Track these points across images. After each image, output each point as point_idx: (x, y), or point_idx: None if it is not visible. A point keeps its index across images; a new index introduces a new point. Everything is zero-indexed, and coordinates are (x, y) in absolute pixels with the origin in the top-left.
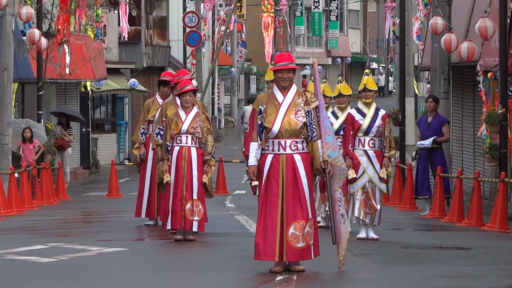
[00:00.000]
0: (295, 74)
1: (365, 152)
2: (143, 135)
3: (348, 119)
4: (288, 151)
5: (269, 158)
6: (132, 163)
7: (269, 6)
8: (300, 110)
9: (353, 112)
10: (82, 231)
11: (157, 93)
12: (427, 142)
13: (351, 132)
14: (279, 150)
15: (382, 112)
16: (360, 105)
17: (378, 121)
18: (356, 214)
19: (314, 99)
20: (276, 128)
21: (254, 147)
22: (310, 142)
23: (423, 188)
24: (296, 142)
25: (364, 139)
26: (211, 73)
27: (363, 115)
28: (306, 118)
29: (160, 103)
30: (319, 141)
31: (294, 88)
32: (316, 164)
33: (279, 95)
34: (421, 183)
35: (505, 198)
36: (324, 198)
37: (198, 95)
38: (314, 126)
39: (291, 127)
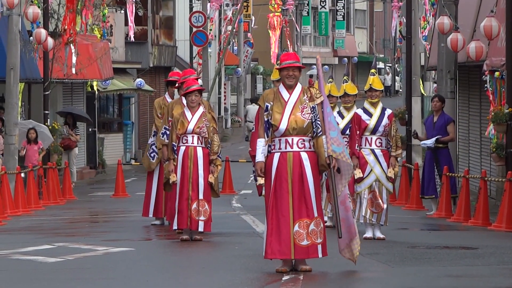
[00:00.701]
0: (301, 74)
1: (372, 151)
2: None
3: (355, 118)
4: (295, 148)
5: (276, 157)
6: (138, 163)
7: (276, 6)
8: (306, 108)
9: (360, 112)
10: (89, 231)
11: (166, 93)
12: (430, 142)
13: (358, 132)
14: (286, 148)
15: (388, 111)
16: (367, 105)
17: (385, 121)
18: (363, 213)
19: (319, 95)
20: (283, 126)
21: (261, 143)
22: (315, 138)
23: (429, 188)
24: (304, 140)
25: (371, 138)
26: (217, 73)
27: (370, 115)
28: (312, 114)
29: None
30: (323, 136)
31: (299, 86)
32: (322, 160)
33: (284, 93)
34: (427, 182)
35: None
36: (330, 198)
37: (205, 94)
38: (319, 122)
39: (298, 125)
